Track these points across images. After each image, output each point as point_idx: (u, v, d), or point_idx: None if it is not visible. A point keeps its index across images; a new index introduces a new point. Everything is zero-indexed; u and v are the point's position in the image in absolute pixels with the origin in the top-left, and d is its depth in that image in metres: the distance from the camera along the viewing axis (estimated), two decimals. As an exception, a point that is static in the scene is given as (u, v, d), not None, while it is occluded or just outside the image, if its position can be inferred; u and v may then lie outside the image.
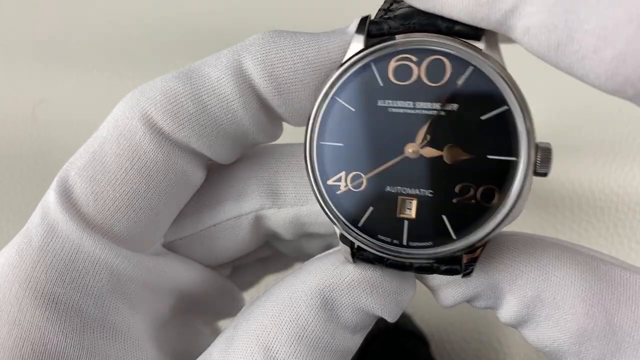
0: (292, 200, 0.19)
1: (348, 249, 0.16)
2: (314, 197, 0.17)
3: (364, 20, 0.16)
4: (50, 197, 0.16)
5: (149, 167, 0.16)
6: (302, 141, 0.17)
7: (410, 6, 0.16)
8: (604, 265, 0.16)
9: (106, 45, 0.45)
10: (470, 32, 0.15)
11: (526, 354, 0.35)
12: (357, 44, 0.16)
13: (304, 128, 0.17)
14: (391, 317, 0.17)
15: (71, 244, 0.16)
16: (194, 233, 0.19)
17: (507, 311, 0.16)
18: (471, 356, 0.35)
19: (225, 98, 0.16)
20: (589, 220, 0.39)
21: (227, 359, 0.16)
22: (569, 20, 0.12)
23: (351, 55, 0.16)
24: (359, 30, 0.16)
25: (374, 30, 0.16)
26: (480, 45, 0.15)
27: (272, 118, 0.18)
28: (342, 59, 0.16)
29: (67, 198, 0.16)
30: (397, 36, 0.15)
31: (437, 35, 0.15)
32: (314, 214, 0.19)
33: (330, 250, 0.18)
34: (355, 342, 0.17)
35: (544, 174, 0.14)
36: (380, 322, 0.33)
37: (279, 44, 0.16)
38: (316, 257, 0.18)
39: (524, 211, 0.15)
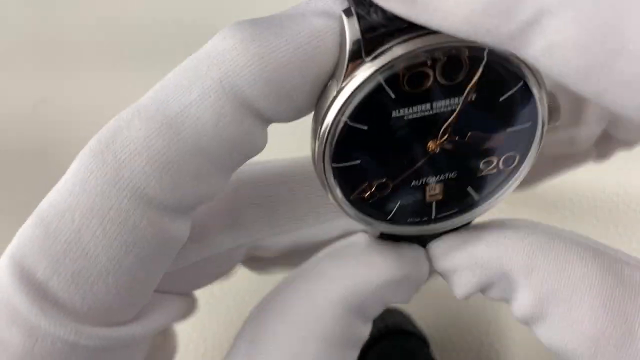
0: (288, 227, 0.17)
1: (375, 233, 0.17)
2: (309, 219, 0.18)
3: (348, 12, 0.13)
4: (18, 297, 0.13)
5: (147, 250, 0.14)
6: (291, 154, 0.17)
7: None
8: (628, 269, 0.15)
9: (107, 44, 0.45)
10: None
11: (527, 355, 0.35)
12: (352, 44, 0.13)
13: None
14: (407, 301, 0.17)
15: (63, 344, 0.13)
16: (176, 269, 0.17)
17: (520, 305, 0.16)
18: (471, 356, 0.35)
19: (230, 141, 0.14)
20: (589, 220, 0.39)
21: None
22: (609, 40, 0.10)
23: (349, 64, 0.13)
24: (350, 25, 0.13)
25: (365, 27, 0.13)
26: None
27: (265, 132, 0.15)
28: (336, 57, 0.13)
29: (44, 296, 0.13)
30: (397, 38, 0.13)
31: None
32: (311, 235, 0.18)
33: (346, 244, 0.17)
34: (369, 328, 0.17)
35: (556, 122, 0.15)
36: (380, 323, 0.33)
37: (274, 53, 0.13)
38: (330, 254, 0.17)
39: (523, 211, 0.16)
